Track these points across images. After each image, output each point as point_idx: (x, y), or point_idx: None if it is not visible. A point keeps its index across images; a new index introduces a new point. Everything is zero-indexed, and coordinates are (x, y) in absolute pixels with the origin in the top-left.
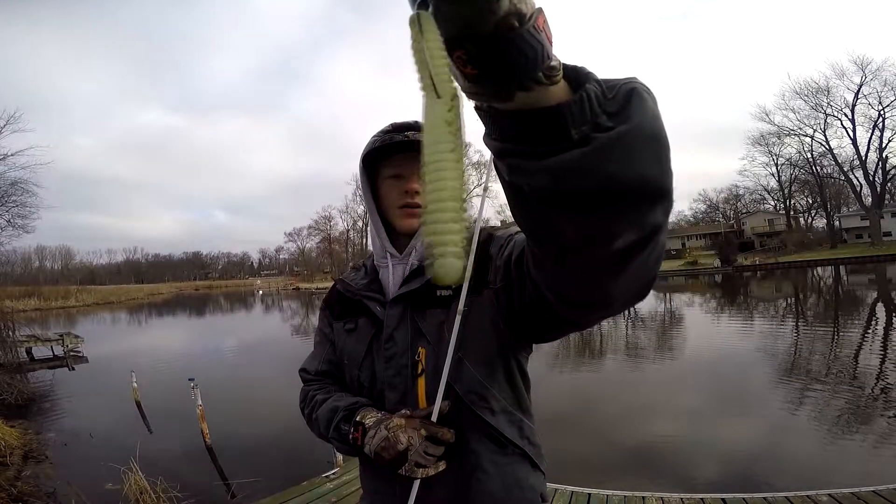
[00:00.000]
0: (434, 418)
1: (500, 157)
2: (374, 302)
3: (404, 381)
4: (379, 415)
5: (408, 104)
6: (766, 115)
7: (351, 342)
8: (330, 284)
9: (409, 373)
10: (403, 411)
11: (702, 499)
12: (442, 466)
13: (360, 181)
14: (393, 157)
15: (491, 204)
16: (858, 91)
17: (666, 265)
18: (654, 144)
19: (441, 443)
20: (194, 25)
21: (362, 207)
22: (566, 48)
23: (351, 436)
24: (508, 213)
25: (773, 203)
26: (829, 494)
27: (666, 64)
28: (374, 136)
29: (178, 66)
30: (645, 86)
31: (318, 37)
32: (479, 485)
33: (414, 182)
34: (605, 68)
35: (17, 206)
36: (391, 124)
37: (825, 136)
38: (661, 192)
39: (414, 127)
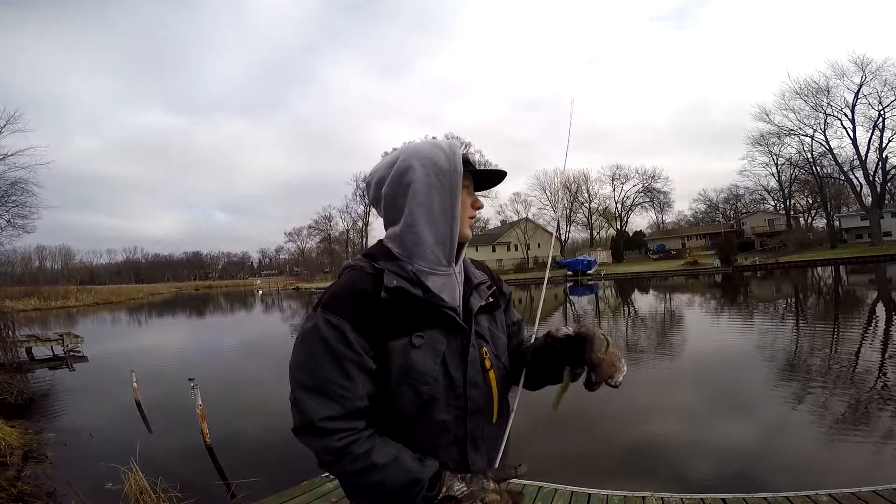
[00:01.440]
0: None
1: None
2: (453, 312)
3: (482, 378)
4: (465, 482)
5: (405, 106)
6: (766, 115)
7: (420, 356)
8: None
9: (481, 370)
10: (489, 484)
11: (702, 499)
12: None
13: (451, 179)
14: (469, 166)
15: (491, 204)
16: (858, 91)
17: (666, 265)
18: None
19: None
20: (194, 27)
21: (362, 208)
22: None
23: None
24: (508, 213)
25: (773, 203)
26: (829, 494)
27: (666, 64)
28: (459, 148)
29: (177, 67)
30: None
31: (316, 39)
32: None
33: (478, 199)
34: (607, 66)
35: (17, 206)
36: (448, 139)
37: (825, 136)
38: None
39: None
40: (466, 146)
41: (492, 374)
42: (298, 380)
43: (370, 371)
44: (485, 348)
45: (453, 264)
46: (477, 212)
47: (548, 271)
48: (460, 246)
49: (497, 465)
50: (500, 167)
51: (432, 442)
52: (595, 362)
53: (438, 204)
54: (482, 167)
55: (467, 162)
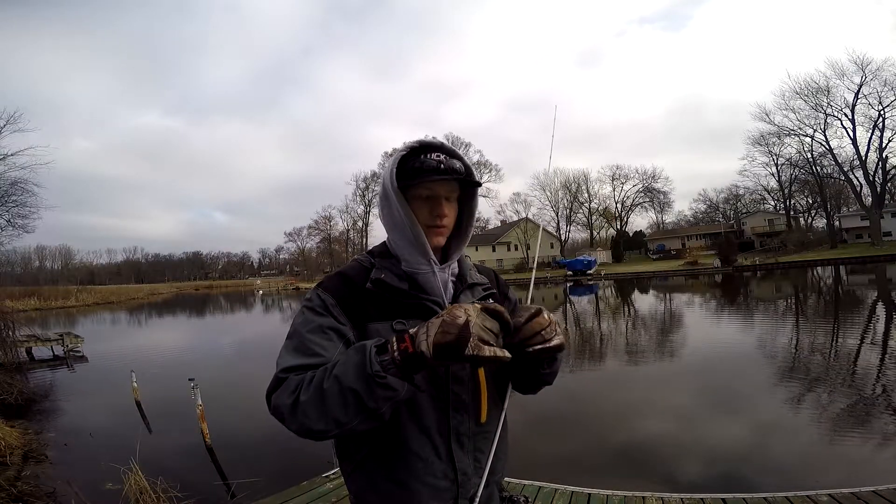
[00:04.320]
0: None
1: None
2: (436, 305)
3: (468, 374)
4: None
5: (405, 106)
6: (766, 115)
7: None
8: None
9: (469, 367)
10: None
11: (702, 499)
12: (507, 354)
13: (391, 193)
14: (424, 176)
15: (491, 204)
16: (858, 91)
17: (666, 265)
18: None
19: (496, 316)
20: (193, 29)
21: (362, 208)
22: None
23: (397, 351)
24: (508, 213)
25: (773, 203)
26: (829, 494)
27: (663, 64)
28: (403, 151)
29: (176, 69)
30: None
31: (314, 42)
32: (503, 438)
33: (444, 206)
34: (606, 67)
35: (17, 206)
36: (419, 141)
37: (825, 136)
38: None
39: (440, 148)
40: (466, 146)
41: (481, 372)
42: (286, 343)
43: (349, 341)
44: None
45: (433, 263)
46: (442, 220)
47: (534, 271)
48: (443, 249)
49: (487, 466)
50: (501, 167)
51: (417, 434)
52: (513, 325)
53: (395, 212)
54: (482, 167)
55: (419, 171)
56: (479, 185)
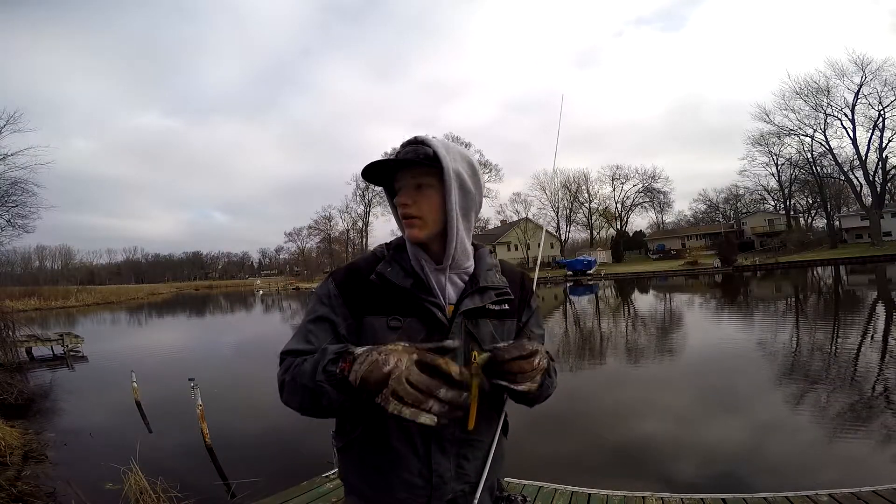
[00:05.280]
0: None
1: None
2: (435, 307)
3: None
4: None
5: (404, 106)
6: (766, 115)
7: (393, 339)
8: None
9: None
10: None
11: (702, 499)
12: (427, 420)
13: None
14: (397, 173)
15: (491, 204)
16: (858, 91)
17: (666, 265)
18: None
19: (432, 371)
20: (193, 29)
21: (362, 208)
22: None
23: (338, 369)
24: (508, 213)
25: (773, 203)
26: (829, 494)
27: (665, 63)
28: (391, 156)
29: (176, 69)
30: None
31: (314, 42)
32: (500, 447)
33: (402, 196)
34: (605, 68)
35: (17, 206)
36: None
37: (825, 136)
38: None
39: (414, 142)
40: (466, 146)
41: (475, 381)
42: (298, 326)
43: (338, 334)
44: (475, 351)
45: (424, 262)
46: (404, 208)
47: (536, 271)
48: (433, 245)
49: (484, 477)
50: (501, 167)
51: (398, 430)
52: (497, 358)
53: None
54: (482, 167)
55: (383, 165)
56: (437, 163)
